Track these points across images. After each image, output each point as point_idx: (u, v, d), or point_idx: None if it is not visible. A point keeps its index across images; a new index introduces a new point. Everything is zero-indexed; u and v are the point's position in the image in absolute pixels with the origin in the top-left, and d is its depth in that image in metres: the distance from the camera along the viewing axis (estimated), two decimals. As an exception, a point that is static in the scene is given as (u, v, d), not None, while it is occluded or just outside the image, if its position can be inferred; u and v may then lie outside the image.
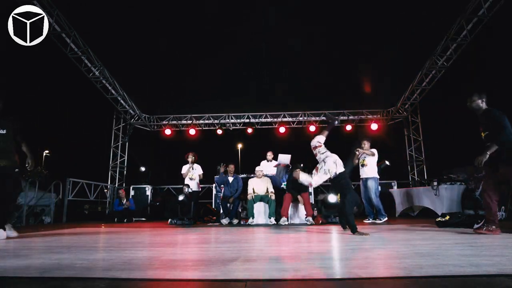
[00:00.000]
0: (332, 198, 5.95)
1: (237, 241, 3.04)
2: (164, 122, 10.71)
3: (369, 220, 5.93)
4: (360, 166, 5.96)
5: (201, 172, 6.71)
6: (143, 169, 8.97)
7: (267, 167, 6.48)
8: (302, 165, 6.49)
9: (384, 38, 6.75)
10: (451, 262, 1.66)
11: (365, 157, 5.89)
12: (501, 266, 1.55)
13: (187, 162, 6.71)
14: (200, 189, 6.91)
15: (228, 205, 5.98)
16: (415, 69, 8.13)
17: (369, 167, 5.87)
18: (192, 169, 6.57)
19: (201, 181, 6.82)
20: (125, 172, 10.32)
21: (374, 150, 5.88)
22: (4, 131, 3.48)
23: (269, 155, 6.72)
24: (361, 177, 5.99)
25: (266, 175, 6.20)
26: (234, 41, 6.84)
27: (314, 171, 3.68)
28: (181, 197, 5.94)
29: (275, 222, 5.54)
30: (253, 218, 5.67)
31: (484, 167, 3.23)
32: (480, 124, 3.47)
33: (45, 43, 4.63)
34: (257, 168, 6.18)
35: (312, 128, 10.12)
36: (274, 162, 6.67)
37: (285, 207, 5.56)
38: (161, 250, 2.44)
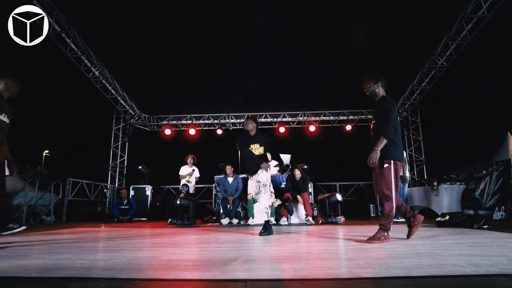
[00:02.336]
0: (340, 197, 5.97)
1: (237, 241, 3.04)
2: (164, 122, 10.71)
3: (400, 218, 5.55)
4: None
5: (198, 175, 6.80)
6: (140, 167, 8.93)
7: None
8: (306, 166, 6.50)
9: (384, 38, 6.75)
10: (451, 262, 1.66)
11: None
12: (501, 266, 1.55)
13: (185, 163, 6.74)
14: (194, 192, 7.01)
15: (228, 205, 5.98)
16: (415, 69, 8.13)
17: None
18: (193, 171, 6.64)
19: (201, 181, 6.86)
20: (125, 172, 10.32)
21: None
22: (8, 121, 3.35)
23: (268, 154, 6.71)
24: None
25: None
26: (234, 41, 6.84)
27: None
28: (178, 202, 5.97)
29: (275, 222, 5.53)
30: (253, 218, 5.67)
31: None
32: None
33: (45, 43, 4.63)
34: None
35: (312, 128, 10.12)
36: (273, 162, 6.67)
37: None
38: (161, 250, 2.44)
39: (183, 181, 6.70)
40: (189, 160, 6.76)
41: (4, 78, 3.24)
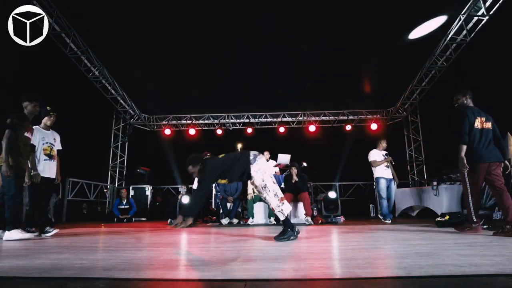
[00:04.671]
0: (332, 194, 5.96)
1: (237, 241, 3.04)
2: (164, 122, 10.71)
3: (388, 220, 5.49)
4: (385, 167, 5.72)
5: None
6: (139, 170, 8.95)
7: None
8: (305, 164, 6.49)
9: (384, 38, 6.75)
10: (451, 262, 1.66)
11: (391, 157, 5.83)
12: (501, 266, 1.54)
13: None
14: None
15: (228, 205, 5.98)
16: (415, 69, 8.14)
17: (390, 169, 5.77)
18: None
19: None
20: (125, 172, 10.31)
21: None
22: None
23: (266, 154, 6.69)
24: (385, 177, 5.67)
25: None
26: (234, 41, 6.84)
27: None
28: (185, 199, 5.94)
29: (275, 222, 5.54)
30: (253, 218, 5.67)
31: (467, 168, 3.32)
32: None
33: (45, 43, 4.63)
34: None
35: (312, 128, 10.13)
36: (271, 162, 6.67)
37: (285, 206, 5.55)
38: (161, 250, 2.44)
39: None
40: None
41: (31, 101, 3.60)
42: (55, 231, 3.91)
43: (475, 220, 3.33)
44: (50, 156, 3.95)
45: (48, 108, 4.03)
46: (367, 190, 9.30)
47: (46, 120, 4.02)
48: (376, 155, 5.81)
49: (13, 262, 1.85)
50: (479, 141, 3.29)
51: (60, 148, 4.18)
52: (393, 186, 5.71)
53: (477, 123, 3.33)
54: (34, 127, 3.82)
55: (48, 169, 3.92)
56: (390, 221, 5.44)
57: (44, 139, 3.93)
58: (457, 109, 3.57)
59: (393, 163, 5.89)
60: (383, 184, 5.63)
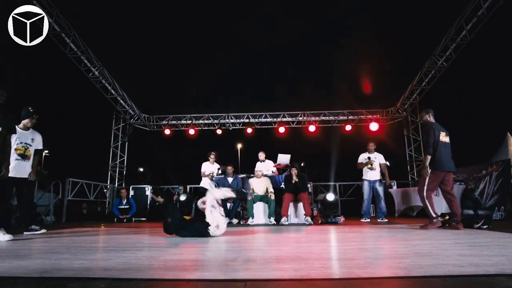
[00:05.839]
0: (331, 196, 5.97)
1: (237, 241, 3.04)
2: (163, 122, 10.71)
3: (366, 219, 5.95)
4: (368, 169, 6.02)
5: (220, 172, 6.57)
6: (141, 169, 8.96)
7: (262, 167, 6.44)
8: (302, 164, 6.50)
9: (384, 38, 6.75)
10: (451, 262, 1.66)
11: (374, 161, 6.02)
12: (501, 266, 1.55)
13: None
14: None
15: (228, 205, 5.97)
16: (415, 69, 8.13)
17: (378, 170, 6.04)
18: (218, 169, 6.42)
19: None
20: (124, 172, 10.31)
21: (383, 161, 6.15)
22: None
23: (261, 155, 6.67)
24: (368, 179, 6.02)
25: (265, 175, 6.20)
26: (234, 41, 6.84)
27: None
28: (182, 197, 5.94)
29: (275, 222, 5.54)
30: (253, 218, 5.67)
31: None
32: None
33: (45, 43, 4.63)
34: (256, 168, 6.17)
35: (312, 128, 10.12)
36: (268, 162, 6.65)
37: (285, 206, 5.56)
38: (161, 250, 2.44)
39: (204, 179, 6.44)
40: (211, 156, 6.52)
41: None
42: (42, 231, 3.97)
43: (434, 216, 3.86)
44: (23, 156, 3.90)
45: (30, 109, 3.97)
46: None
47: (27, 122, 3.97)
48: (361, 157, 6.18)
49: (13, 262, 1.85)
50: (443, 152, 3.86)
51: (41, 148, 4.14)
52: (378, 187, 5.95)
53: (442, 137, 3.89)
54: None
55: (19, 168, 3.85)
56: (368, 220, 5.89)
57: (19, 138, 3.88)
58: (423, 125, 4.19)
59: (389, 165, 6.15)
60: (365, 186, 6.05)
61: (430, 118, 4.08)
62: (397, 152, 10.52)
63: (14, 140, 3.81)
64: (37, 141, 4.10)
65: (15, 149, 3.83)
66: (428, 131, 3.89)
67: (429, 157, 3.82)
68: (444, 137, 3.91)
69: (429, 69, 7.82)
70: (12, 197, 4.21)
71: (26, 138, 3.96)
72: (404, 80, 8.68)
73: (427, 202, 3.90)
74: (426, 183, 3.87)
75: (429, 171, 3.85)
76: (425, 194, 3.90)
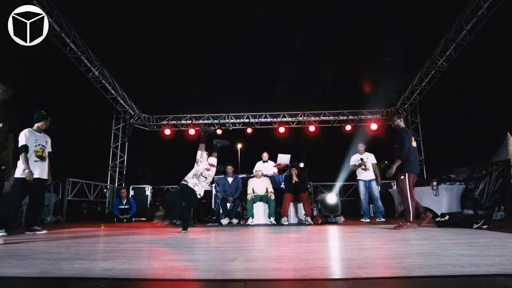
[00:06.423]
0: (332, 198, 5.98)
1: (237, 241, 3.04)
2: (163, 122, 10.71)
3: (366, 219, 5.98)
4: (362, 170, 6.11)
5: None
6: (141, 169, 8.95)
7: (263, 167, 6.45)
8: (302, 164, 6.50)
9: (384, 38, 6.75)
10: (451, 262, 1.66)
11: (367, 161, 6.07)
12: (501, 266, 1.55)
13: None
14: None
15: (228, 205, 5.97)
16: (415, 69, 8.13)
17: (371, 170, 6.11)
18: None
19: None
20: (124, 172, 10.31)
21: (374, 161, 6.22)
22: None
23: (265, 155, 6.71)
24: (363, 179, 6.12)
25: (265, 175, 6.20)
26: (234, 41, 6.84)
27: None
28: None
29: (275, 222, 5.54)
30: (253, 218, 5.67)
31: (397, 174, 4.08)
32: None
33: (45, 43, 4.63)
34: (256, 168, 6.16)
35: (312, 128, 10.12)
36: (270, 163, 6.66)
37: (285, 206, 5.58)
38: (161, 250, 2.44)
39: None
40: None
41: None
42: (43, 232, 4.03)
43: (411, 219, 3.94)
44: (41, 158, 4.02)
45: (43, 112, 4.12)
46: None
47: (41, 124, 4.10)
48: (353, 159, 6.28)
49: (13, 262, 1.85)
50: (415, 156, 4.12)
51: (50, 150, 4.26)
52: (374, 186, 6.05)
53: (413, 142, 4.08)
54: (26, 129, 3.92)
55: (41, 170, 4.00)
56: (368, 220, 5.92)
57: (37, 141, 4.01)
58: (395, 129, 4.25)
59: (387, 163, 6.10)
60: (360, 186, 6.18)
61: (401, 123, 4.18)
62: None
63: (32, 142, 3.94)
64: (49, 144, 4.25)
65: (34, 151, 3.96)
66: (403, 136, 4.01)
67: (399, 161, 3.96)
68: (413, 142, 4.12)
69: (429, 69, 7.82)
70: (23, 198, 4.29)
71: (42, 140, 4.10)
72: (404, 80, 8.67)
73: (413, 203, 3.98)
74: (409, 185, 3.97)
75: (406, 174, 3.97)
76: (413, 194, 4.00)
